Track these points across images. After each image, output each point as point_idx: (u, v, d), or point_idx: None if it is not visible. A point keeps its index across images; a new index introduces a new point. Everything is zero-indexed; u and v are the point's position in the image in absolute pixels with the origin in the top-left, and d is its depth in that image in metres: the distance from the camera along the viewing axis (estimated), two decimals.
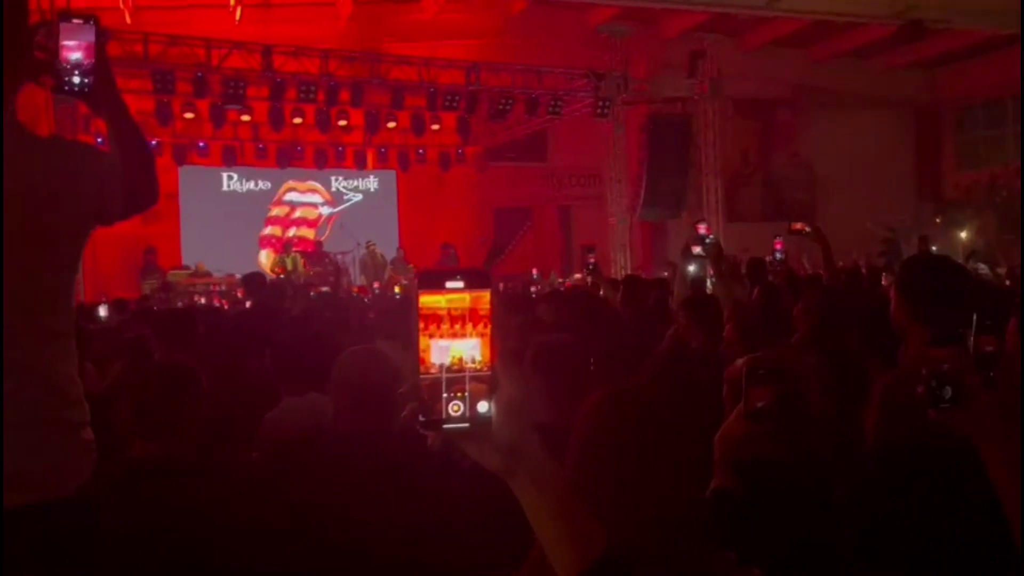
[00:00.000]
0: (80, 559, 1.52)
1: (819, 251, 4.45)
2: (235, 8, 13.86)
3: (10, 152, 1.52)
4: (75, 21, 1.65)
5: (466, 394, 0.88)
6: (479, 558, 1.83)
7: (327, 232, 16.84)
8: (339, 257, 14.77)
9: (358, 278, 14.76)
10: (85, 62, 1.64)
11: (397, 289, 11.59)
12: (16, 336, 1.50)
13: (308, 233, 16.92)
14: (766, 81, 17.17)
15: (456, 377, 0.88)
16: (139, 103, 13.81)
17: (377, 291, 12.33)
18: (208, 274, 13.79)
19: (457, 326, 0.88)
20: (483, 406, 0.88)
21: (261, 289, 6.30)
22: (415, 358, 0.88)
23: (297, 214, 17.12)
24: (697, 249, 4.41)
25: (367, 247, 14.82)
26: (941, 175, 19.69)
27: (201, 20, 13.08)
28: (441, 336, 0.88)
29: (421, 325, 0.88)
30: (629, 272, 13.77)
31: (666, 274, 11.41)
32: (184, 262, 14.66)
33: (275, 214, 16.95)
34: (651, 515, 1.19)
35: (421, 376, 0.88)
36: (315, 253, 14.97)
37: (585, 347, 2.47)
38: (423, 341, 0.88)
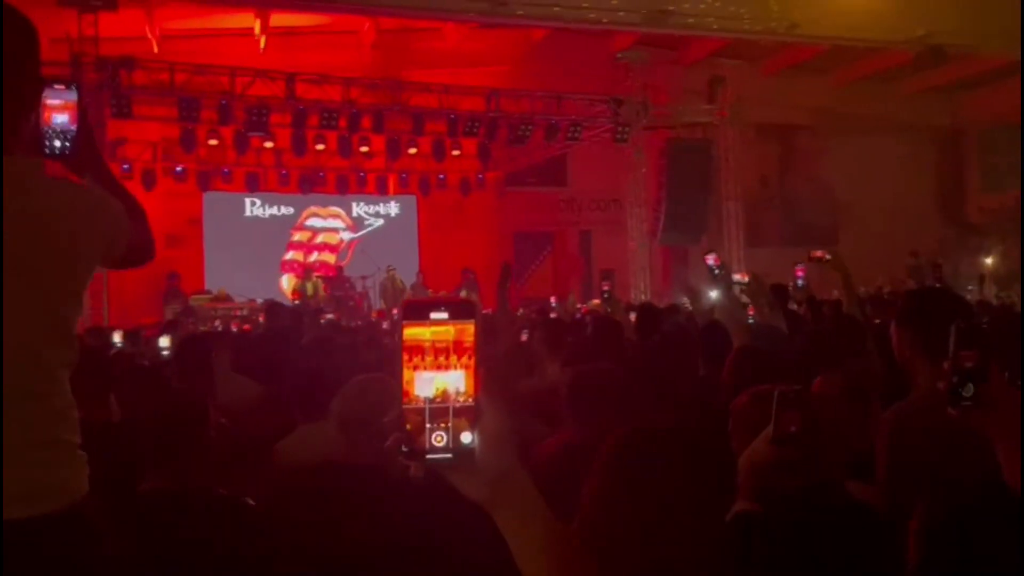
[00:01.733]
0: (97, 562, 1.59)
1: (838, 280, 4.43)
2: (260, 37, 14.12)
3: (27, 192, 1.59)
4: (57, 87, 1.70)
5: (449, 425, 0.88)
6: None
7: (348, 257, 16.96)
8: (359, 282, 14.86)
9: (378, 303, 14.83)
10: (68, 126, 1.70)
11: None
12: (35, 364, 1.58)
13: (329, 258, 17.05)
14: (786, 106, 17.18)
15: (440, 408, 0.88)
16: (165, 130, 14.07)
17: (396, 316, 12.38)
18: (230, 299, 13.89)
19: (441, 358, 0.88)
20: (467, 437, 0.88)
21: (280, 316, 6.35)
22: (399, 389, 0.88)
23: (319, 239, 17.26)
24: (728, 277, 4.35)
25: (387, 272, 14.90)
26: (964, 199, 19.55)
27: (226, 49, 13.33)
28: (425, 368, 0.88)
29: (405, 357, 0.88)
30: (648, 297, 13.75)
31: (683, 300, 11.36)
32: (207, 287, 14.79)
33: (297, 239, 17.10)
34: (666, 554, 1.19)
35: (404, 407, 0.88)
36: (336, 278, 15.07)
37: (622, 375, 2.48)
38: (407, 373, 0.88)
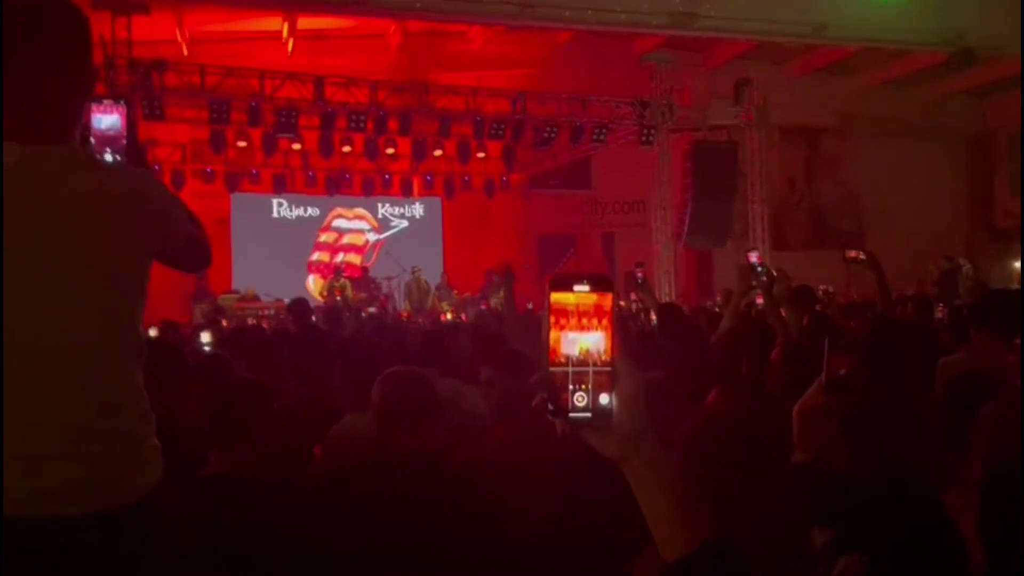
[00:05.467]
0: (144, 565, 1.57)
1: (870, 280, 4.42)
2: (288, 40, 14.25)
3: (79, 171, 1.59)
4: (106, 102, 1.75)
5: (589, 386, 0.95)
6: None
7: (373, 258, 17.07)
8: (384, 283, 14.95)
9: (402, 304, 14.91)
10: (118, 140, 1.74)
11: (449, 316, 11.65)
12: (90, 353, 1.56)
13: (355, 259, 17.17)
14: (812, 109, 17.08)
15: (581, 371, 0.95)
16: (194, 132, 14.24)
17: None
18: (257, 298, 14.02)
19: (584, 320, 0.95)
20: (604, 398, 0.95)
21: (307, 314, 6.41)
22: (545, 351, 0.95)
23: (345, 240, 17.39)
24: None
25: (412, 273, 14.97)
26: (993, 204, 19.32)
27: (255, 52, 13.47)
28: (570, 329, 0.95)
29: (552, 319, 0.95)
30: (673, 299, 13.71)
31: (712, 303, 11.34)
32: (234, 286, 14.94)
33: (323, 240, 17.24)
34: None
35: (550, 368, 0.95)
36: (362, 279, 15.16)
37: (676, 383, 2.51)
38: (554, 334, 0.95)
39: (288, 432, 2.41)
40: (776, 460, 1.34)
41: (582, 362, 0.95)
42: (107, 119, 1.72)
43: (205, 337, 5.66)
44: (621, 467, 0.97)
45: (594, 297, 0.95)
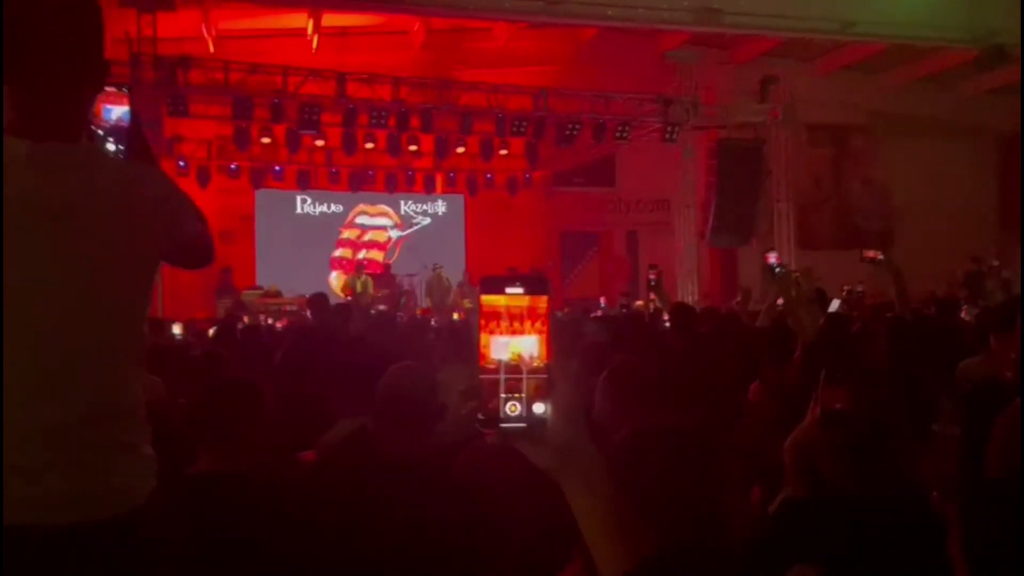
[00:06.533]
0: (147, 571, 1.55)
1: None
2: (312, 37, 14.31)
3: (88, 171, 1.55)
4: (109, 90, 1.70)
5: (523, 395, 0.90)
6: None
7: (395, 255, 17.12)
8: (406, 279, 14.97)
9: (424, 300, 14.93)
10: (120, 129, 1.71)
11: (456, 316, 11.62)
12: (89, 358, 1.52)
13: (377, 256, 17.23)
14: (840, 107, 16.85)
15: (514, 379, 0.90)
16: (219, 128, 14.36)
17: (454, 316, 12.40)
18: (279, 295, 14.11)
19: (516, 323, 0.90)
20: (539, 407, 0.90)
21: (325, 310, 6.42)
22: (475, 356, 0.90)
23: (367, 237, 17.45)
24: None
25: (434, 270, 14.99)
26: None
27: (279, 49, 13.54)
28: (501, 332, 0.90)
29: (482, 322, 0.90)
30: (697, 298, 13.61)
31: (736, 301, 11.21)
32: (258, 282, 15.05)
33: (346, 237, 17.32)
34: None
35: (481, 375, 0.89)
36: (384, 275, 15.21)
37: (656, 370, 2.48)
38: (484, 338, 0.90)
39: (279, 431, 2.39)
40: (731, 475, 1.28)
41: (514, 368, 0.89)
42: (116, 110, 1.69)
43: (176, 329, 5.71)
44: (556, 479, 0.93)
45: (527, 299, 0.90)
